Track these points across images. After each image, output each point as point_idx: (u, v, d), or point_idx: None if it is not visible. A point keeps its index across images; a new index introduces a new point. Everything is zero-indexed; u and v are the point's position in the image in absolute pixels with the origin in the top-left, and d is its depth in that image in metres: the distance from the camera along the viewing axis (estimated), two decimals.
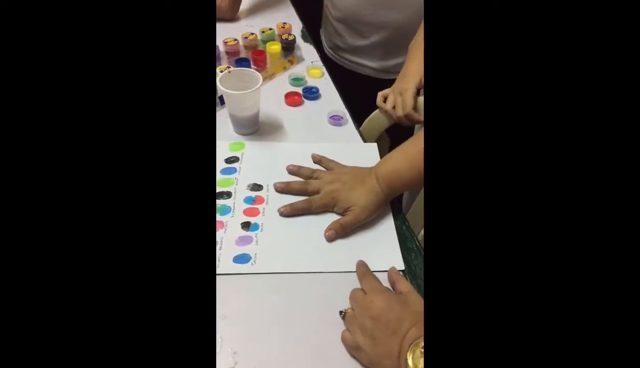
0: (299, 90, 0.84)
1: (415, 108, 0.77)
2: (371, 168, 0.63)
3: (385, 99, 0.81)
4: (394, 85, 0.81)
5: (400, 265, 0.55)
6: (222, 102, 0.78)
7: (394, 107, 0.79)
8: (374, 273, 0.54)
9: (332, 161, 0.68)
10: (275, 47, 0.89)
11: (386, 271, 0.54)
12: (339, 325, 0.48)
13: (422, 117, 0.76)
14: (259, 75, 0.70)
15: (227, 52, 0.91)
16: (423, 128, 0.66)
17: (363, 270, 0.54)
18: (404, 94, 0.77)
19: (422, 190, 0.81)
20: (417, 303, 0.46)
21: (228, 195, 0.63)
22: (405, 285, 0.51)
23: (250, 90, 0.68)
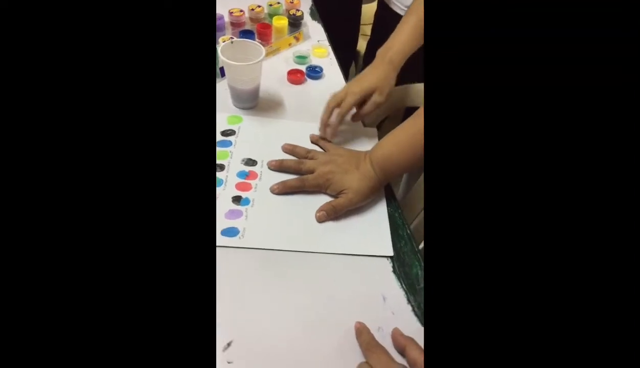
0: (303, 68, 0.83)
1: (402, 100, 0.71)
2: (366, 152, 0.62)
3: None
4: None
5: (390, 252, 0.54)
6: (223, 74, 0.76)
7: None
8: (362, 257, 0.53)
9: (329, 143, 0.67)
10: (281, 22, 0.87)
11: (376, 256, 0.54)
12: (327, 306, 0.48)
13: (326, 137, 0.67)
14: (262, 47, 0.68)
15: (232, 23, 0.89)
16: (417, 110, 0.63)
17: (367, 339, 0.45)
18: (345, 98, 0.66)
19: (419, 179, 0.80)
20: None
21: (221, 167, 0.62)
22: (417, 354, 0.42)
23: (252, 62, 0.66)
